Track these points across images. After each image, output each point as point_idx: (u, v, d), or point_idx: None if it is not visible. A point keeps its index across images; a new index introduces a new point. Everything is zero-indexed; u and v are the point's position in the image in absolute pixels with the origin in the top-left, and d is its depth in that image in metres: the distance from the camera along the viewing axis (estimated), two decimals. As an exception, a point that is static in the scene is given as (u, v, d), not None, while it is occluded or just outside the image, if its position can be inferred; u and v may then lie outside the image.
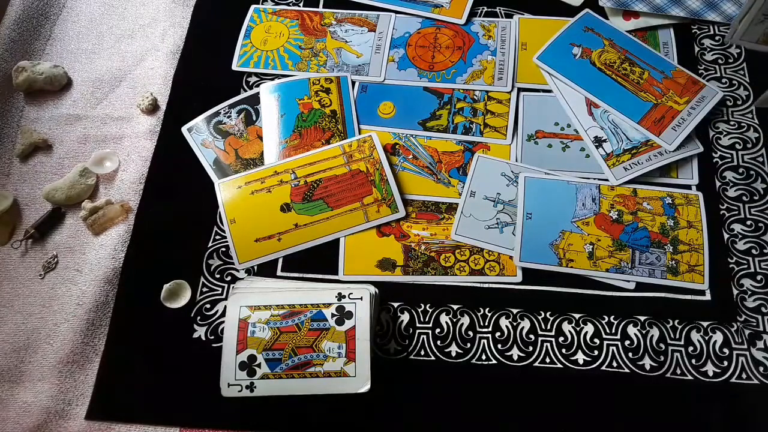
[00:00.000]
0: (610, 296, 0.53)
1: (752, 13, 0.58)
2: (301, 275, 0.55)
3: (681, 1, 0.64)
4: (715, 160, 0.58)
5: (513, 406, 0.49)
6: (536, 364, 0.51)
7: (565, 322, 0.52)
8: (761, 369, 0.50)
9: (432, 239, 0.56)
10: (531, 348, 0.51)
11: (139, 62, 0.67)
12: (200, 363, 0.52)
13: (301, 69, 0.64)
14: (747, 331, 0.51)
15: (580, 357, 0.51)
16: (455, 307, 0.53)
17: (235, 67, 0.65)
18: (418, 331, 0.52)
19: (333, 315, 0.48)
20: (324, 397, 0.46)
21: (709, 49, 0.63)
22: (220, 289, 0.55)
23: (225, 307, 0.50)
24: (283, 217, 0.56)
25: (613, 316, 0.52)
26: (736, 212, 0.56)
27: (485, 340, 0.52)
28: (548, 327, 0.52)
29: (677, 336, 0.51)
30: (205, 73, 0.65)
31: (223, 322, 0.50)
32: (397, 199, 0.56)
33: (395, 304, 0.53)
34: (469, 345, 0.52)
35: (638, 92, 0.59)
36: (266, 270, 0.55)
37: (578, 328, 0.52)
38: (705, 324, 0.52)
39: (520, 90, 0.62)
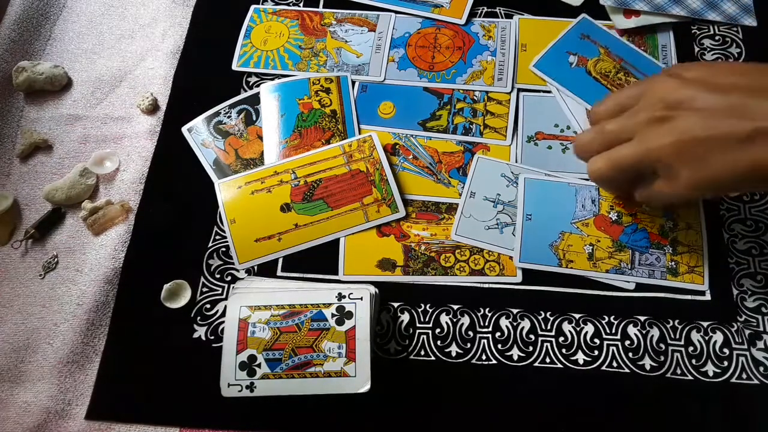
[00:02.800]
0: (610, 296, 0.53)
1: None
2: (301, 275, 0.55)
3: (681, 0, 0.64)
4: (715, 161, 0.58)
5: (513, 406, 0.50)
6: (536, 364, 0.51)
7: (565, 322, 0.52)
8: (761, 369, 0.50)
9: (432, 239, 0.56)
10: (531, 348, 0.51)
11: (139, 62, 0.67)
12: (200, 363, 0.52)
13: (301, 69, 0.64)
14: (747, 331, 0.51)
15: (580, 357, 0.51)
16: (455, 307, 0.53)
17: (235, 67, 0.65)
18: (418, 331, 0.52)
19: (333, 315, 0.48)
20: (324, 397, 0.46)
21: (709, 50, 0.63)
22: (220, 289, 0.55)
23: (225, 307, 0.50)
24: (283, 217, 0.56)
25: (613, 316, 0.52)
26: (736, 212, 0.56)
27: (485, 340, 0.52)
28: (548, 327, 0.52)
29: (677, 336, 0.51)
30: (205, 73, 0.65)
31: (223, 322, 0.50)
32: (397, 199, 0.56)
33: (395, 304, 0.53)
34: (469, 345, 0.52)
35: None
36: (266, 270, 0.55)
37: (578, 328, 0.52)
38: (705, 324, 0.52)
39: (519, 91, 0.62)
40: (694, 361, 0.50)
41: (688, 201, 0.55)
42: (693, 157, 0.40)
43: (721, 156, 0.39)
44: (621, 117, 0.45)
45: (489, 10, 0.67)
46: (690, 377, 0.50)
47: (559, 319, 0.52)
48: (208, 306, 0.54)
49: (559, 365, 0.51)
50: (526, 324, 0.52)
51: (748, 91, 0.39)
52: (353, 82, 0.63)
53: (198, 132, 0.62)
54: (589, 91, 0.60)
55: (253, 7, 0.69)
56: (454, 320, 0.53)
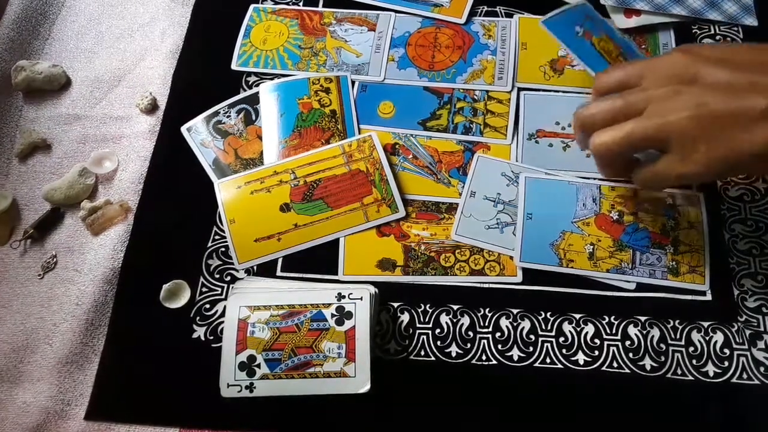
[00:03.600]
0: (611, 296, 0.53)
1: None
2: (301, 275, 0.55)
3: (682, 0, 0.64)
4: (715, 160, 0.58)
5: (513, 406, 0.49)
6: (536, 364, 0.51)
7: (566, 323, 0.52)
8: (762, 369, 0.50)
9: (432, 239, 0.55)
10: (531, 348, 0.51)
11: (139, 62, 0.67)
12: (200, 363, 0.51)
13: (301, 68, 0.64)
14: (748, 332, 0.51)
15: (581, 357, 0.51)
16: (455, 307, 0.53)
17: (234, 66, 0.65)
18: (418, 331, 0.52)
19: (333, 315, 0.48)
20: (324, 397, 0.46)
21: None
22: (220, 289, 0.55)
23: (224, 307, 0.50)
24: (283, 217, 0.56)
25: (613, 317, 0.52)
26: (737, 212, 0.56)
27: (485, 341, 0.52)
28: (548, 327, 0.52)
29: (678, 336, 0.51)
30: (205, 73, 0.65)
31: (222, 322, 0.50)
32: (397, 199, 0.56)
33: (395, 304, 0.53)
34: (469, 345, 0.52)
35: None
36: (266, 270, 0.55)
37: (579, 329, 0.52)
38: (705, 324, 0.51)
39: (520, 89, 0.62)
40: (694, 362, 0.50)
41: (690, 182, 0.54)
42: (709, 132, 0.39)
43: (737, 132, 0.38)
44: (631, 90, 0.43)
45: (489, 9, 0.67)
46: (690, 377, 0.50)
47: (559, 320, 0.52)
48: (207, 306, 0.54)
49: (560, 365, 0.51)
50: (526, 324, 0.52)
51: (764, 68, 0.39)
52: (353, 82, 0.63)
53: (197, 132, 0.62)
54: (591, 59, 0.60)
55: (252, 6, 0.69)
56: (454, 320, 0.52)
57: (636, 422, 0.49)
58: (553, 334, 0.52)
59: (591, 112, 0.45)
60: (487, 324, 0.52)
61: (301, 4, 0.69)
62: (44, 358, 0.52)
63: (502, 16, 0.66)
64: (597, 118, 0.44)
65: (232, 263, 0.55)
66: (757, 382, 0.49)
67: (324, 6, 0.68)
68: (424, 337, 0.52)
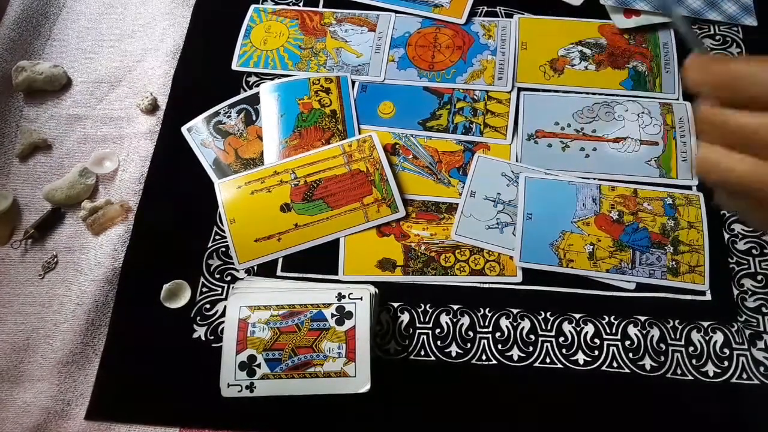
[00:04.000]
0: (611, 296, 0.53)
1: None
2: (301, 275, 0.55)
3: (682, 0, 0.64)
4: (715, 160, 0.58)
5: (513, 406, 0.49)
6: (536, 364, 0.51)
7: (566, 322, 0.52)
8: (762, 369, 0.50)
9: (432, 239, 0.55)
10: (531, 348, 0.51)
11: (139, 62, 0.67)
12: (200, 363, 0.52)
13: (301, 69, 0.64)
14: (747, 331, 0.51)
15: (581, 357, 0.51)
16: (455, 307, 0.53)
17: (234, 66, 0.65)
18: (418, 331, 0.52)
19: (333, 315, 0.48)
20: (324, 397, 0.46)
21: (709, 49, 0.63)
22: (220, 289, 0.55)
23: (225, 307, 0.50)
24: (283, 217, 0.56)
25: (613, 317, 0.52)
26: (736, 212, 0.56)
27: (485, 341, 0.52)
28: (548, 327, 0.52)
29: (677, 336, 0.51)
30: (205, 73, 0.65)
31: (222, 322, 0.50)
32: (397, 199, 0.56)
33: (395, 304, 0.53)
34: (469, 345, 0.52)
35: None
36: (266, 270, 0.55)
37: (578, 328, 0.52)
38: (705, 324, 0.51)
39: (520, 90, 0.62)
40: (694, 361, 0.50)
41: None
42: None
43: None
44: (747, 115, 0.29)
45: (489, 9, 0.67)
46: (690, 377, 0.50)
47: (559, 319, 0.52)
48: (207, 306, 0.54)
49: (559, 365, 0.51)
50: (526, 324, 0.52)
51: None
52: (353, 82, 0.63)
53: (198, 132, 0.62)
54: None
55: (252, 6, 0.69)
56: (454, 320, 0.53)
57: (636, 422, 0.49)
58: (553, 334, 0.52)
59: (697, 126, 0.33)
60: (487, 324, 0.52)
61: (301, 4, 0.69)
62: (45, 358, 0.52)
63: (502, 16, 0.66)
64: (702, 136, 0.32)
65: (233, 263, 0.55)
66: (756, 382, 0.49)
67: (324, 6, 0.68)
68: (424, 337, 0.52)
